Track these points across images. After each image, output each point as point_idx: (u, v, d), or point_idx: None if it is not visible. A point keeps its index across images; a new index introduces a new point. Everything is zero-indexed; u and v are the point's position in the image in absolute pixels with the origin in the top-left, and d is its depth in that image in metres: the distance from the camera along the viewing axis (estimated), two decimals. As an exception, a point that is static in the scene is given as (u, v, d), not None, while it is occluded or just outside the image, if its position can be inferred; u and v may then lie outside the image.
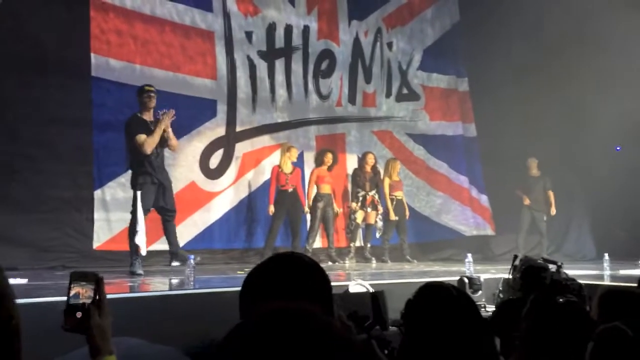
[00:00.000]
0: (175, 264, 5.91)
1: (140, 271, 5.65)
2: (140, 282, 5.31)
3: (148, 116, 6.00)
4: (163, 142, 6.02)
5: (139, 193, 5.73)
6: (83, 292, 1.39)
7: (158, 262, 6.51)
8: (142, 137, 5.82)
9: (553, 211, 9.04)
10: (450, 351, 1.53)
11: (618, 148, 9.89)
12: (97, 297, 1.39)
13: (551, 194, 9.06)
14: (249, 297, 1.30)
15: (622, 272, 6.86)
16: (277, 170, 7.58)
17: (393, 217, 8.24)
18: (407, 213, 8.49)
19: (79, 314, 1.36)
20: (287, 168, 7.56)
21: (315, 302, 1.24)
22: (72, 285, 1.39)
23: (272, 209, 7.48)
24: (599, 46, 8.52)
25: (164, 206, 6.01)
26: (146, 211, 5.79)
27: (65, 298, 1.39)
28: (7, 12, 6.21)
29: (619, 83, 8.45)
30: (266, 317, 0.90)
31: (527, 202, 9.07)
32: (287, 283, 1.27)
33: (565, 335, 1.82)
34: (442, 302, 1.53)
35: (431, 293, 1.58)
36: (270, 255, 1.40)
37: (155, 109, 6.02)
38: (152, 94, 5.98)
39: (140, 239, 5.64)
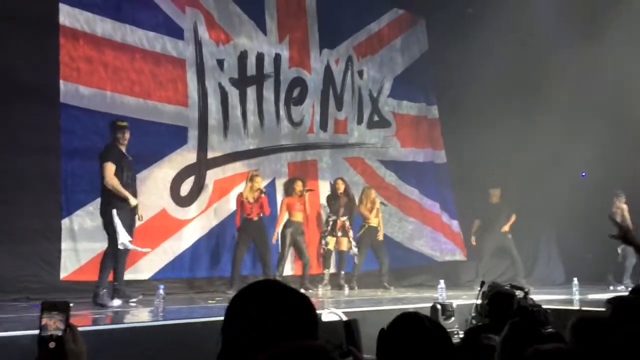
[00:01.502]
0: (117, 302, 5.71)
1: (108, 302, 5.52)
2: (107, 314, 5.19)
3: (123, 148, 6.00)
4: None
5: (114, 211, 5.68)
6: (52, 324, 1.39)
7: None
8: (110, 167, 5.77)
9: (505, 228, 9.10)
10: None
11: (583, 174, 10.12)
12: (68, 324, 1.39)
13: (513, 216, 9.14)
14: (234, 327, 1.25)
15: (591, 296, 6.96)
16: (240, 199, 7.54)
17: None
18: (381, 235, 8.48)
19: (52, 344, 1.36)
20: (251, 197, 7.50)
21: (304, 332, 1.22)
22: (42, 316, 1.39)
23: (236, 235, 7.43)
24: (565, 75, 8.77)
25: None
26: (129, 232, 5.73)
27: (37, 331, 1.38)
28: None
29: (585, 111, 8.69)
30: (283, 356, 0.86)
31: (473, 242, 9.17)
32: (273, 313, 1.23)
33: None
34: (415, 334, 1.52)
35: (404, 324, 1.57)
36: (253, 284, 1.35)
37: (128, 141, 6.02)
38: (125, 130, 6.00)
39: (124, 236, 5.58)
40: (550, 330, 2.56)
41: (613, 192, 9.08)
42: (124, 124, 6.05)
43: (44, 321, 1.40)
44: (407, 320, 1.59)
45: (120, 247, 5.69)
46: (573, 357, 1.52)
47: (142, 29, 7.61)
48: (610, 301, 2.59)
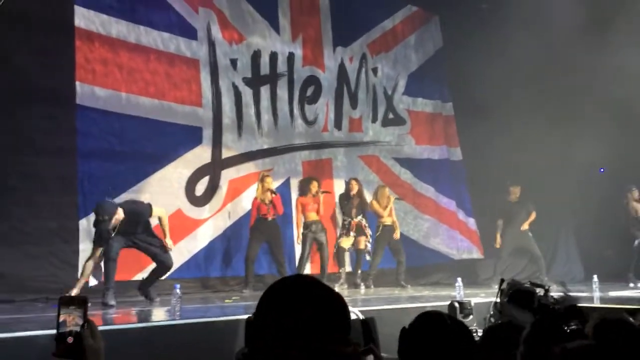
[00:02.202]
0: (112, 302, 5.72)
1: (112, 302, 5.56)
2: (125, 313, 5.21)
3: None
4: None
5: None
6: (70, 320, 1.39)
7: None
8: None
9: (525, 226, 9.03)
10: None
11: (602, 170, 9.98)
12: (87, 320, 1.40)
13: (533, 214, 9.07)
14: (264, 324, 1.21)
15: (612, 293, 6.86)
16: (257, 203, 7.54)
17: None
18: (397, 234, 8.44)
19: (70, 339, 1.36)
20: (266, 197, 7.51)
21: (336, 331, 1.20)
22: (60, 311, 1.39)
23: (249, 235, 7.48)
24: (581, 70, 8.66)
25: (162, 258, 6.10)
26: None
27: (54, 329, 1.39)
28: (-9, 41, 6.20)
29: (602, 107, 8.56)
30: None
31: (498, 243, 9.06)
32: (307, 311, 1.20)
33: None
34: (437, 332, 1.50)
35: (426, 322, 1.55)
36: (284, 278, 1.33)
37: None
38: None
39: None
40: (573, 326, 2.51)
41: (626, 187, 9.00)
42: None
43: (62, 317, 1.39)
44: (429, 319, 1.57)
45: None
46: (601, 354, 1.48)
47: (156, 29, 7.65)
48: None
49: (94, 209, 5.89)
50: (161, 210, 6.18)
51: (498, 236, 9.08)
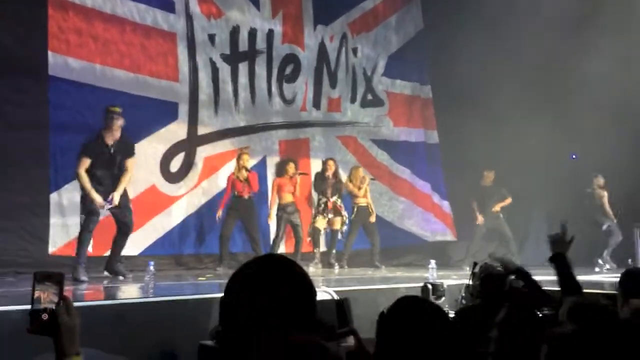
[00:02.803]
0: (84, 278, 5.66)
1: (84, 277, 5.50)
2: (95, 290, 5.15)
3: (110, 137, 5.86)
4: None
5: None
6: (45, 296, 1.37)
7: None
8: (84, 161, 5.74)
9: (497, 208, 9.15)
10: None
11: (574, 156, 10.14)
12: (62, 296, 1.38)
13: (508, 199, 9.19)
14: (236, 302, 1.23)
15: (580, 277, 6.99)
16: (232, 178, 7.49)
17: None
18: (373, 218, 8.49)
19: (44, 316, 1.34)
20: (242, 175, 7.46)
21: (301, 311, 1.22)
22: (35, 287, 1.37)
23: (219, 213, 7.41)
24: (561, 56, 8.72)
25: (125, 218, 5.94)
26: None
27: (28, 305, 1.36)
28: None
29: (580, 93, 8.65)
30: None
31: (479, 220, 9.16)
32: (274, 290, 1.22)
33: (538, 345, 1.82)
34: (416, 317, 1.51)
35: (405, 307, 1.56)
36: (256, 257, 1.34)
37: (122, 128, 5.92)
38: (116, 115, 5.88)
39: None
40: (546, 312, 2.56)
41: (592, 174, 9.18)
42: (116, 108, 5.91)
43: (37, 293, 1.37)
44: (408, 303, 1.58)
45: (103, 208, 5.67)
46: (586, 339, 1.51)
47: (133, 0, 7.46)
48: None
49: None
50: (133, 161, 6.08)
51: (478, 214, 9.16)
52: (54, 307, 1.36)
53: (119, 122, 5.88)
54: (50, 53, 6.72)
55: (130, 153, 6.06)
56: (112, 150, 5.88)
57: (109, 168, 5.91)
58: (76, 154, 6.07)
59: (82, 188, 5.80)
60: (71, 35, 6.93)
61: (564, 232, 2.96)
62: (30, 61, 6.55)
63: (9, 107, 6.33)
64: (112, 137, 5.88)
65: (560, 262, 2.85)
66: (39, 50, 6.64)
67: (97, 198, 5.74)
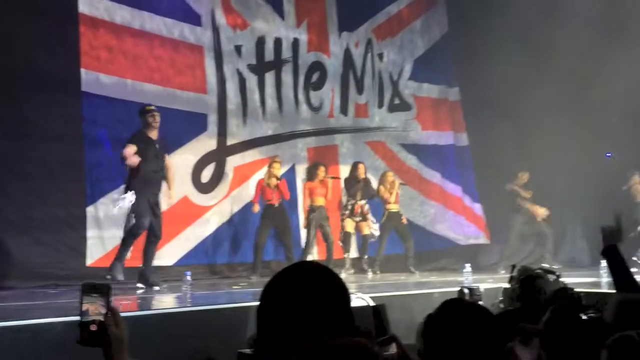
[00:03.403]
0: (139, 286, 5.79)
1: (121, 276, 5.63)
2: (134, 301, 5.22)
3: (153, 134, 6.01)
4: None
5: (130, 193, 5.80)
6: (93, 309, 1.39)
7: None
8: (132, 148, 5.78)
9: (538, 218, 9.04)
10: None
11: (608, 154, 9.93)
12: (110, 308, 1.39)
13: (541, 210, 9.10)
14: (272, 311, 1.25)
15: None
16: (262, 184, 7.53)
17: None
18: (404, 220, 8.44)
19: (93, 327, 1.36)
20: (272, 182, 7.50)
21: (340, 317, 1.22)
22: (83, 298, 1.38)
23: (256, 207, 7.44)
24: (590, 53, 8.58)
25: (154, 227, 5.98)
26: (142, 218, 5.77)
27: (70, 317, 1.38)
28: (-5, 27, 6.16)
29: (613, 91, 8.49)
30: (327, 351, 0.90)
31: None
32: (311, 297, 1.23)
33: (586, 349, 1.79)
34: (464, 319, 1.50)
35: (452, 309, 1.55)
36: (290, 265, 1.35)
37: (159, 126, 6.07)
38: (155, 113, 6.05)
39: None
40: (591, 314, 2.50)
41: (628, 171, 8.99)
42: (152, 107, 6.09)
43: (85, 306, 1.39)
44: (455, 306, 1.57)
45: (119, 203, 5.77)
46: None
47: (160, 15, 7.59)
48: None
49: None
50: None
51: (535, 208, 9.02)
52: (102, 319, 1.38)
53: (158, 119, 6.05)
54: (82, 70, 6.87)
55: (168, 150, 6.30)
56: (157, 145, 6.00)
57: (157, 163, 6.05)
58: (110, 169, 6.19)
59: (137, 179, 5.86)
60: (102, 52, 7.08)
61: (618, 223, 2.80)
62: (63, 76, 6.70)
63: (45, 121, 6.48)
64: (155, 134, 6.04)
65: (614, 255, 2.70)
66: (71, 65, 6.79)
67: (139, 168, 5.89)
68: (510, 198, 9.15)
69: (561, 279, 4.11)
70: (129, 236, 5.80)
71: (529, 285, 3.63)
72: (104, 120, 6.94)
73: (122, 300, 5.19)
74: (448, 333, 1.50)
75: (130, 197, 5.76)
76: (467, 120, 10.12)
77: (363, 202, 8.20)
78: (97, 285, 1.42)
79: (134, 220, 5.77)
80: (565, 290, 3.34)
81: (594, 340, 1.81)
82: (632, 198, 9.00)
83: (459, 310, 1.55)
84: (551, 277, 3.92)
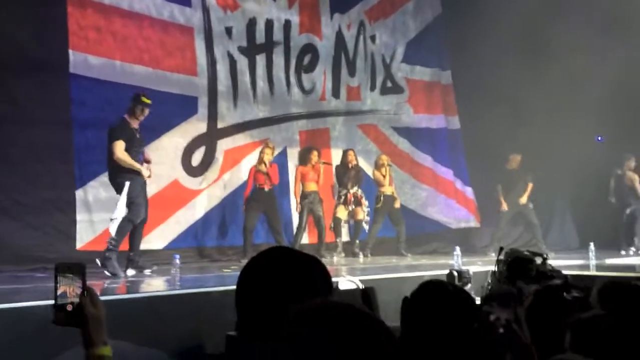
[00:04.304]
0: (131, 272, 5.72)
1: (118, 271, 5.55)
2: (123, 284, 5.21)
3: (136, 123, 5.96)
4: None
5: (127, 183, 5.69)
6: (69, 290, 1.37)
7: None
8: (120, 144, 5.74)
9: (523, 200, 9.01)
10: (448, 346, 1.51)
11: (599, 138, 9.96)
12: (86, 288, 1.38)
13: (530, 185, 9.04)
14: (249, 295, 1.26)
15: (608, 261, 6.91)
16: (254, 170, 7.50)
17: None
18: (397, 204, 8.44)
19: (69, 307, 1.35)
20: (263, 168, 7.46)
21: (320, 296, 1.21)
22: (58, 279, 1.37)
23: (244, 207, 7.44)
24: (581, 38, 8.55)
25: (144, 216, 5.97)
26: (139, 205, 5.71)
27: (52, 299, 1.37)
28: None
29: (601, 76, 8.50)
30: (319, 310, 0.92)
31: (504, 206, 9.01)
32: (289, 279, 1.24)
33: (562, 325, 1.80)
34: (440, 300, 1.51)
35: (429, 291, 1.55)
36: (264, 251, 1.35)
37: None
38: (147, 107, 5.97)
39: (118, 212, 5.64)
40: (575, 294, 2.51)
41: (624, 155, 8.99)
42: (148, 101, 6.00)
43: (61, 288, 1.37)
44: (431, 287, 1.57)
45: (114, 218, 5.68)
46: (615, 324, 1.47)
47: (149, -5, 7.48)
48: None
49: None
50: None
51: (502, 200, 9.04)
52: (78, 299, 1.37)
53: (147, 112, 5.99)
54: (70, 51, 6.77)
55: (158, 133, 6.42)
56: (138, 134, 5.96)
57: (141, 147, 6.03)
58: (100, 150, 6.13)
59: (125, 169, 5.78)
60: (90, 33, 6.97)
61: None
62: (50, 58, 6.60)
63: (32, 104, 6.39)
64: (137, 122, 5.98)
65: None
66: (59, 47, 6.68)
67: (146, 171, 5.90)
68: (503, 181, 9.15)
69: (549, 262, 4.13)
70: (126, 226, 5.73)
71: (516, 267, 3.65)
72: (92, 102, 6.85)
73: (112, 284, 5.18)
74: (424, 314, 1.50)
75: (120, 212, 5.71)
76: (459, 104, 10.10)
77: (355, 189, 8.17)
78: (71, 265, 1.40)
79: (128, 209, 5.69)
80: (551, 272, 3.35)
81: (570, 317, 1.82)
82: (625, 182, 9.03)
83: (436, 292, 1.55)
84: (538, 260, 3.94)
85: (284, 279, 1.23)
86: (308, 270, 1.27)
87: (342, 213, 8.15)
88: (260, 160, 7.48)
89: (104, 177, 6.44)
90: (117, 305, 3.72)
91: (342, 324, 0.88)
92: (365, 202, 8.23)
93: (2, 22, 6.24)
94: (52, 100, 6.57)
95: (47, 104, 6.52)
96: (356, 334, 0.87)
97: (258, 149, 7.80)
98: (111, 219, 5.71)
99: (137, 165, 5.82)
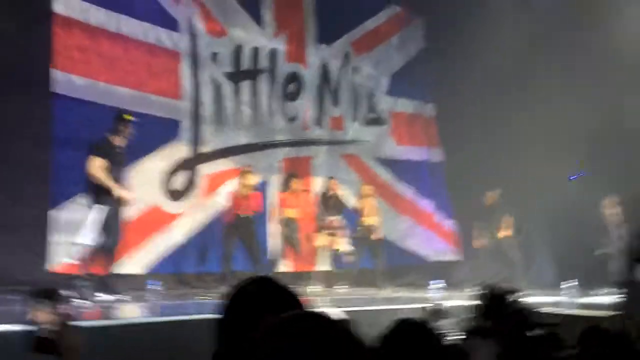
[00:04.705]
0: (104, 297, 5.60)
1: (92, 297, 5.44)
2: (96, 309, 5.09)
3: (119, 141, 5.88)
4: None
5: (99, 206, 5.63)
6: (45, 317, 1.36)
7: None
8: (97, 161, 5.65)
9: (501, 234, 9.07)
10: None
11: (573, 177, 10.08)
12: (65, 317, 1.37)
13: (509, 219, 9.09)
14: (230, 325, 1.28)
15: (581, 300, 6.96)
16: (234, 196, 7.45)
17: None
18: (377, 235, 8.41)
19: (46, 334, 1.35)
20: (243, 193, 7.41)
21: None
22: (32, 305, 1.36)
23: (223, 233, 7.39)
24: (566, 74, 8.73)
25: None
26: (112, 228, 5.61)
27: (26, 324, 1.34)
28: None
29: (585, 111, 8.65)
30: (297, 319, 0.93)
31: (478, 243, 9.08)
32: (266, 311, 1.24)
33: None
34: (418, 340, 1.52)
35: (406, 330, 1.57)
36: (246, 280, 1.38)
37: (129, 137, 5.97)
38: (129, 124, 5.95)
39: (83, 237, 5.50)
40: (538, 332, 2.55)
41: (605, 195, 9.08)
42: (131, 118, 5.96)
43: (36, 314, 1.37)
44: (407, 327, 1.60)
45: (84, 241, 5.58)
46: None
47: (137, 19, 7.50)
48: None
49: None
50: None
51: (477, 237, 9.08)
52: (55, 327, 1.36)
53: (131, 130, 5.92)
54: (54, 70, 6.74)
55: (138, 156, 6.30)
56: (120, 152, 5.89)
57: (122, 166, 5.94)
58: (78, 171, 6.06)
59: (101, 189, 5.68)
60: (76, 53, 6.95)
61: None
62: (33, 76, 6.55)
63: (13, 121, 6.31)
64: (120, 140, 5.91)
65: None
66: (43, 66, 6.65)
67: (126, 193, 5.75)
68: (481, 217, 9.21)
69: (521, 299, 4.15)
70: (98, 250, 5.63)
71: (490, 303, 3.66)
72: (73, 122, 6.79)
73: (86, 309, 5.06)
74: (397, 354, 1.52)
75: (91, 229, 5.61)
76: (442, 136, 10.21)
77: (334, 217, 8.17)
78: (46, 291, 1.40)
79: (103, 235, 5.60)
80: (521, 309, 3.37)
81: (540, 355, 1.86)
82: (604, 221, 9.09)
83: (409, 332, 1.57)
84: (513, 296, 3.95)
85: (267, 312, 1.22)
86: (286, 305, 1.27)
87: (321, 241, 8.13)
88: (242, 185, 7.45)
89: (80, 198, 6.35)
90: (91, 332, 3.63)
91: (321, 333, 0.88)
92: (345, 232, 8.21)
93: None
94: (32, 118, 6.50)
95: (27, 122, 6.44)
96: (336, 341, 0.87)
97: (238, 176, 7.77)
98: (81, 242, 5.60)
99: (111, 184, 5.69)
